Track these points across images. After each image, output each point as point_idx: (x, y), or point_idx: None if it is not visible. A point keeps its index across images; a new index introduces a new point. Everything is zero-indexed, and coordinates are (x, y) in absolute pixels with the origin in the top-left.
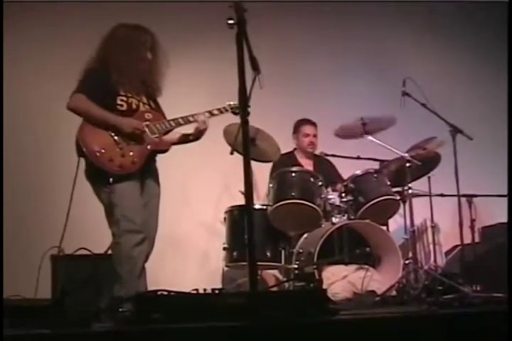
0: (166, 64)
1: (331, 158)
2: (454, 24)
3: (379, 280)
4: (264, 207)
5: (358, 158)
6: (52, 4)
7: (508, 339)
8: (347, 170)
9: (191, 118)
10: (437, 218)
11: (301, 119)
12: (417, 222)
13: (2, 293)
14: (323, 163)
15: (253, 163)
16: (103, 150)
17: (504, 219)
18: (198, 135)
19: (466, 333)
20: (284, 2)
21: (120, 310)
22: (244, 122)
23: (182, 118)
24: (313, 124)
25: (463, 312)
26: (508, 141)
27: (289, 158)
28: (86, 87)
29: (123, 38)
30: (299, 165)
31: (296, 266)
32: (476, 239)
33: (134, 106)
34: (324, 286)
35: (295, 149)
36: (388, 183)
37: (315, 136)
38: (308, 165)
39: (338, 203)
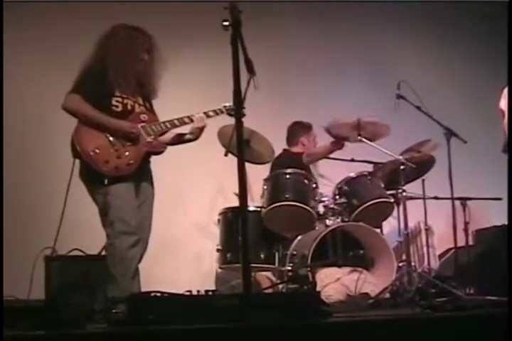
0: (163, 66)
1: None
2: (450, 25)
3: (372, 283)
4: (259, 209)
5: (352, 160)
6: (51, 4)
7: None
8: (341, 172)
9: (187, 120)
10: (431, 221)
11: (297, 125)
12: (411, 224)
13: (2, 294)
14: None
15: (247, 165)
16: (97, 150)
17: (498, 222)
18: (196, 133)
19: (459, 336)
20: (279, 2)
21: (114, 311)
22: (239, 124)
23: (177, 119)
24: (310, 128)
25: (456, 315)
26: (508, 144)
27: (287, 155)
28: (81, 88)
29: (121, 39)
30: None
31: (289, 268)
32: (470, 242)
33: (129, 107)
34: (318, 288)
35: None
36: (382, 186)
37: (314, 139)
38: None
39: (332, 205)
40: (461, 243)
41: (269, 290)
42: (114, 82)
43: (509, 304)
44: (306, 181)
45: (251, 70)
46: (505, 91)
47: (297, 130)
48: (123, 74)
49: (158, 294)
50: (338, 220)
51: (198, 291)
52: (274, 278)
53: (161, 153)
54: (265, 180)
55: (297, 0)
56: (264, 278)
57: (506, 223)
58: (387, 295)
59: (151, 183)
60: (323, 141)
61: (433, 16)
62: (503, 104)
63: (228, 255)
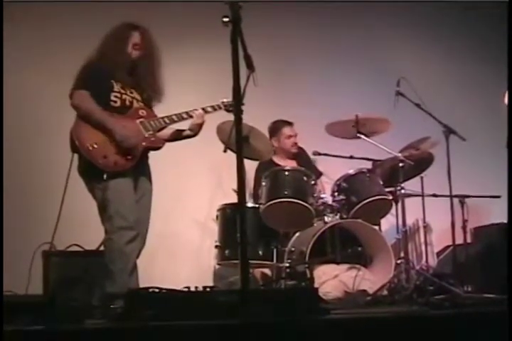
0: (159, 60)
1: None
2: (450, 23)
3: (370, 280)
4: (257, 205)
5: (351, 157)
6: (51, 4)
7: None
8: (340, 169)
9: (185, 116)
10: (429, 218)
11: (278, 121)
12: (409, 221)
13: (2, 290)
14: (303, 159)
15: (246, 161)
16: (96, 145)
17: (496, 219)
18: (195, 130)
19: (457, 334)
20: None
21: (112, 306)
22: (238, 120)
23: (176, 115)
24: (291, 124)
25: (454, 312)
26: (507, 142)
27: (269, 163)
28: (86, 83)
29: (110, 34)
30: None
31: (287, 265)
32: (468, 240)
33: (127, 102)
34: (316, 285)
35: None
36: (381, 183)
37: (296, 135)
38: (291, 165)
39: (330, 202)
40: (459, 240)
41: (267, 287)
42: (110, 77)
43: (509, 302)
44: (305, 178)
45: (250, 66)
46: None
47: (269, 133)
48: (113, 68)
49: (156, 290)
50: (337, 217)
51: (196, 287)
52: (269, 273)
53: (159, 148)
54: (264, 177)
55: (299, 0)
56: (262, 274)
57: (505, 221)
58: (385, 292)
59: (150, 179)
60: (318, 138)
61: (433, 14)
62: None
63: (226, 251)
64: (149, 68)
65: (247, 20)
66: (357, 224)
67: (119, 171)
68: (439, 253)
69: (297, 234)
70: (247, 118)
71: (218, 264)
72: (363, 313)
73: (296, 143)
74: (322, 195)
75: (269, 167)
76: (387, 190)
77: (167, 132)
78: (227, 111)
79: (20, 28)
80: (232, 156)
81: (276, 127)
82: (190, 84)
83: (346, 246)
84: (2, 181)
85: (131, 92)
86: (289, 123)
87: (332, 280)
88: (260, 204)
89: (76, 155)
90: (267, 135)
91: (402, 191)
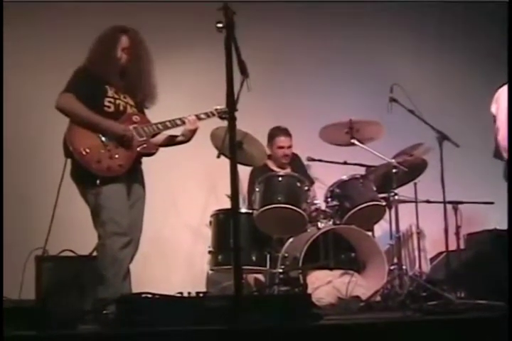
0: (150, 63)
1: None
2: (445, 27)
3: (364, 286)
4: (250, 211)
5: (345, 163)
6: (51, 4)
7: None
8: (333, 175)
9: (179, 122)
10: (423, 224)
11: (276, 129)
12: (403, 227)
13: (2, 294)
14: (297, 166)
15: (240, 167)
16: (89, 150)
17: (489, 226)
18: (188, 136)
19: (449, 339)
20: (273, 2)
21: (104, 312)
22: (232, 126)
23: (169, 121)
24: (289, 135)
25: (447, 318)
26: (508, 147)
27: (264, 168)
28: (75, 87)
29: (99, 38)
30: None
31: (281, 271)
32: (461, 246)
33: (121, 108)
34: (309, 291)
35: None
36: (374, 189)
37: (289, 147)
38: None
39: (323, 208)
40: (452, 247)
41: (261, 293)
42: (103, 82)
43: (509, 308)
44: (298, 184)
45: (244, 72)
46: (496, 95)
47: (267, 138)
48: (105, 72)
49: (149, 295)
50: (330, 223)
51: (189, 293)
52: (263, 279)
53: (152, 154)
54: (257, 182)
55: (292, 0)
56: (256, 280)
57: (498, 227)
58: (378, 298)
59: (143, 184)
60: (312, 144)
61: (428, 18)
62: (494, 108)
63: (220, 257)
64: (140, 72)
65: (241, 27)
66: (350, 230)
67: (113, 176)
68: (432, 260)
69: (290, 240)
70: (240, 124)
71: (211, 270)
72: (356, 319)
73: (287, 155)
74: (315, 201)
75: (264, 172)
76: (381, 195)
77: (160, 138)
78: (221, 118)
79: (21, 28)
80: (225, 162)
81: (271, 134)
82: (183, 89)
83: (339, 252)
84: (2, 185)
85: (125, 97)
86: (286, 134)
87: (325, 286)
88: (254, 209)
89: (69, 160)
90: (265, 140)
91: (396, 197)
